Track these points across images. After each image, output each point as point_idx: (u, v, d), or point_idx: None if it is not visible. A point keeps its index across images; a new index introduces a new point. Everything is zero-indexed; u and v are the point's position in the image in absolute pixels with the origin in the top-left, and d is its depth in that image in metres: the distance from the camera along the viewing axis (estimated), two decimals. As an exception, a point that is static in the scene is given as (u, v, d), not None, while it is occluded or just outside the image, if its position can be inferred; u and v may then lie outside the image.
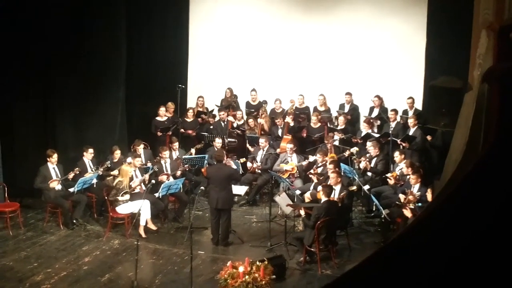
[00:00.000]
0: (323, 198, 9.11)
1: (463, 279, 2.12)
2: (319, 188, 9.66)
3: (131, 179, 10.38)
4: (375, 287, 2.25)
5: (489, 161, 2.25)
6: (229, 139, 13.00)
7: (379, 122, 12.96)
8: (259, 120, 13.32)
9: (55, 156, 10.68)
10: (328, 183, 10.02)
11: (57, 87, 12.12)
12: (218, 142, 12.20)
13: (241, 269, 7.59)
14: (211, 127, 13.55)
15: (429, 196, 9.25)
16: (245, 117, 14.20)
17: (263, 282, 7.56)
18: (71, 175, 10.71)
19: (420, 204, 9.15)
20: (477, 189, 2.19)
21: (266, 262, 7.93)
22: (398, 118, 12.60)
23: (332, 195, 9.69)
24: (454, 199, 2.23)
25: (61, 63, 11.96)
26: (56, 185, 10.56)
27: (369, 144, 11.47)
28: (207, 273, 8.66)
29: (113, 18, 12.94)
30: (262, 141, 12.33)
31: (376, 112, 13.34)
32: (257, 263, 7.86)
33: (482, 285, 2.10)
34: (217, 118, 13.93)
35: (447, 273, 2.14)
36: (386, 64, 13.78)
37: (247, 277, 7.51)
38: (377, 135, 12.22)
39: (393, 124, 12.31)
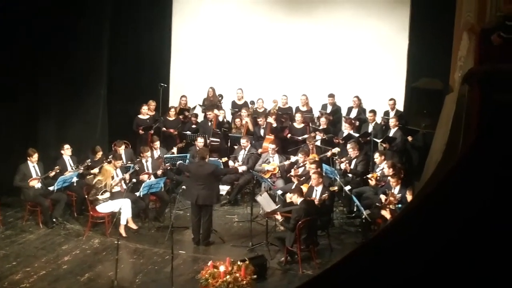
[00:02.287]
0: (299, 200, 9.13)
1: (439, 278, 2.13)
2: (289, 194, 9.67)
3: (112, 178, 10.30)
4: (353, 285, 2.26)
5: (468, 161, 2.27)
6: (211, 139, 12.97)
7: (357, 122, 13.02)
8: (245, 119, 13.27)
9: (36, 155, 10.58)
10: (310, 184, 10.05)
11: (39, 85, 12.01)
12: (200, 142, 12.15)
13: (222, 268, 7.57)
14: (194, 126, 13.50)
15: (409, 197, 9.30)
16: (229, 116, 14.19)
17: (244, 282, 7.55)
18: (51, 174, 10.61)
19: (400, 205, 9.20)
20: (456, 189, 2.21)
21: (247, 262, 7.92)
22: (378, 119, 12.67)
23: (313, 195, 9.72)
24: (432, 198, 2.25)
25: (44, 61, 11.84)
26: (36, 183, 10.46)
27: (348, 146, 11.51)
28: (188, 272, 8.63)
29: (97, 17, 12.84)
30: (243, 141, 12.31)
31: (354, 112, 13.41)
32: (238, 263, 7.84)
33: (459, 284, 2.12)
34: (200, 117, 13.89)
35: (424, 272, 2.15)
36: (369, 65, 13.86)
37: (228, 276, 7.50)
38: (357, 135, 12.27)
39: (372, 125, 12.37)
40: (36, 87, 11.95)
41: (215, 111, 13.42)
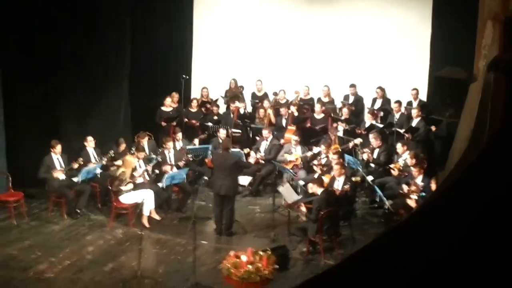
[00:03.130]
0: (319, 190, 9.10)
1: (464, 268, 2.11)
2: (310, 185, 9.66)
3: (135, 169, 10.37)
4: (375, 273, 2.24)
5: (494, 149, 2.23)
6: (233, 130, 12.98)
7: (382, 113, 12.92)
8: (268, 111, 13.26)
9: (59, 146, 10.68)
10: (332, 174, 10.01)
11: (61, 77, 12.08)
12: (222, 133, 12.18)
13: (244, 258, 7.58)
14: (215, 117, 13.52)
15: (433, 186, 9.22)
16: (250, 108, 14.19)
17: (266, 271, 7.54)
18: (75, 165, 10.71)
19: (424, 194, 9.13)
20: (482, 177, 2.18)
21: (269, 252, 7.92)
22: (403, 109, 12.56)
23: (335, 186, 9.69)
24: (458, 187, 2.22)
25: (66, 54, 11.91)
26: (60, 175, 10.57)
27: (370, 136, 11.45)
28: (210, 262, 8.66)
29: (118, 9, 12.89)
30: (265, 132, 12.31)
31: (379, 103, 13.31)
32: (260, 252, 7.85)
33: (482, 273, 2.09)
34: (222, 109, 13.91)
35: (448, 261, 2.13)
36: (391, 54, 13.74)
37: (250, 266, 7.50)
38: (381, 126, 12.18)
39: (397, 115, 12.27)
40: (58, 80, 12.03)
41: (237, 103, 13.41)
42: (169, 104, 13.36)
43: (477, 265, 2.11)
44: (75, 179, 10.61)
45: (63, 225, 10.22)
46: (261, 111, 13.39)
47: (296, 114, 13.12)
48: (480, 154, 2.33)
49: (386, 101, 13.26)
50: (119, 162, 10.84)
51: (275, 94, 13.91)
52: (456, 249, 2.15)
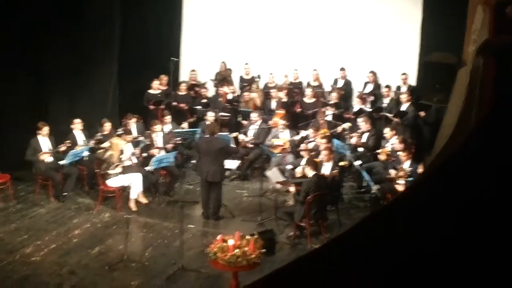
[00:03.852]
0: (311, 173, 9.10)
1: (447, 252, 2.10)
2: (299, 168, 9.66)
3: (122, 152, 10.30)
4: (359, 255, 2.23)
5: (483, 133, 2.22)
6: (221, 113, 12.91)
7: (372, 97, 12.91)
8: (251, 94, 13.21)
9: (46, 128, 10.58)
10: (319, 159, 10.00)
11: (49, 59, 11.97)
12: (210, 116, 12.11)
13: (231, 242, 7.57)
14: (204, 100, 13.44)
15: (420, 171, 9.23)
16: (238, 91, 14.13)
17: (253, 255, 7.53)
18: (62, 148, 10.63)
19: (411, 179, 9.14)
20: (468, 160, 2.16)
21: (256, 236, 7.92)
22: (392, 94, 12.56)
23: (322, 171, 9.69)
24: (444, 169, 2.20)
25: (53, 35, 11.78)
26: (46, 157, 10.49)
27: (360, 119, 11.45)
28: (197, 246, 8.65)
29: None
30: (254, 115, 12.26)
31: (370, 87, 13.29)
32: (247, 237, 7.84)
33: (470, 254, 2.09)
34: (211, 92, 13.84)
35: (435, 244, 2.12)
36: (381, 39, 13.70)
37: (237, 250, 7.48)
38: (369, 110, 12.17)
39: (386, 100, 12.27)
40: (44, 61, 11.91)
41: (225, 88, 13.33)
42: (157, 87, 13.25)
43: (463, 247, 2.11)
44: (62, 162, 10.52)
45: (50, 208, 10.16)
46: (245, 94, 13.32)
47: (284, 99, 13.05)
48: (468, 138, 2.32)
49: (377, 86, 13.26)
50: (106, 145, 10.77)
51: (259, 77, 13.85)
52: (441, 233, 2.14)
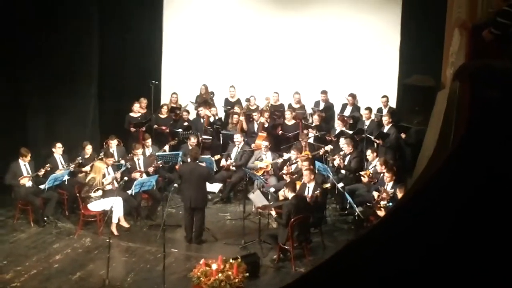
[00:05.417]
0: (290, 195, 9.13)
1: (429, 274, 2.12)
2: (281, 192, 9.71)
3: (104, 175, 10.25)
4: (345, 280, 2.24)
5: (458, 156, 2.25)
6: (203, 136, 12.91)
7: (351, 120, 13.00)
8: (240, 117, 13.24)
9: (29, 156, 10.54)
10: (302, 181, 10.03)
11: (28, 81, 11.93)
12: (192, 142, 12.07)
13: (214, 267, 7.55)
14: (186, 123, 13.44)
15: (399, 195, 9.26)
16: (222, 114, 14.15)
17: (237, 280, 7.53)
18: (42, 172, 10.55)
19: (391, 203, 9.19)
20: (446, 184, 2.19)
21: (239, 260, 7.90)
22: (373, 116, 12.66)
23: (306, 192, 9.71)
24: (423, 194, 2.23)
25: (32, 57, 11.77)
26: (26, 181, 10.40)
27: (342, 141, 11.51)
28: (180, 271, 8.59)
29: (86, 13, 12.76)
30: (237, 137, 12.25)
31: (349, 110, 13.39)
32: (231, 261, 7.82)
33: (449, 279, 2.10)
34: (192, 115, 13.84)
35: (415, 267, 2.13)
36: (362, 62, 13.83)
37: (220, 275, 7.47)
38: (351, 133, 12.25)
39: (367, 122, 12.36)
40: (23, 83, 11.86)
41: (206, 111, 13.35)
42: (137, 110, 13.23)
43: (444, 272, 2.12)
44: (42, 186, 10.43)
45: (30, 233, 10.05)
46: (235, 116, 13.35)
47: (266, 124, 13.07)
48: (447, 160, 2.36)
49: (356, 108, 13.36)
50: (87, 169, 10.71)
51: (248, 100, 13.90)
52: (426, 253, 2.16)
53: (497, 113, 2.37)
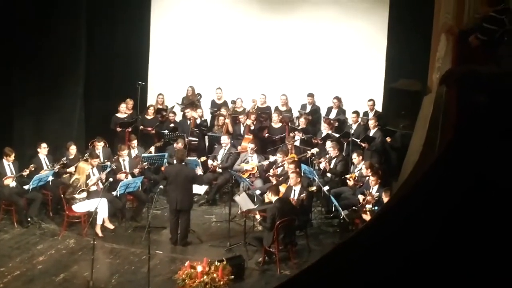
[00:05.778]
0: (274, 198, 9.13)
1: (415, 279, 2.12)
2: (267, 194, 9.72)
3: (88, 176, 10.18)
4: (331, 285, 2.24)
5: (444, 161, 2.26)
6: (190, 138, 12.88)
7: (337, 123, 13.03)
8: (226, 120, 13.21)
9: (13, 155, 10.45)
10: (288, 184, 10.04)
11: (14, 81, 11.83)
12: (179, 144, 12.02)
13: (199, 269, 7.53)
14: (172, 125, 13.40)
15: (385, 198, 9.31)
16: (209, 115, 14.13)
17: (221, 282, 7.52)
18: (26, 172, 10.47)
19: (377, 207, 9.22)
20: (432, 189, 2.20)
21: (224, 262, 7.89)
22: (360, 120, 12.70)
23: (292, 195, 9.72)
24: (409, 199, 2.23)
25: (19, 58, 11.69)
26: (10, 182, 10.31)
27: (328, 144, 11.54)
28: (165, 273, 8.56)
29: (73, 13, 12.68)
30: (225, 139, 12.23)
31: (334, 113, 13.43)
32: (216, 263, 7.81)
33: (435, 285, 2.11)
34: (178, 116, 13.81)
35: (399, 273, 2.13)
36: (348, 65, 13.89)
37: (205, 277, 7.46)
38: (337, 136, 12.28)
39: (354, 126, 12.39)
40: (9, 83, 11.76)
41: (193, 113, 13.31)
42: (124, 110, 13.18)
43: (433, 273, 2.13)
44: (26, 187, 10.35)
45: (13, 233, 9.97)
46: (221, 118, 13.33)
47: (252, 127, 13.07)
48: (434, 164, 2.36)
49: (341, 111, 13.40)
50: (71, 169, 10.64)
51: (233, 102, 13.89)
52: (412, 258, 2.17)
53: (484, 118, 2.38)
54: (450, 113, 2.62)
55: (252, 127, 13.06)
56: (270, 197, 9.29)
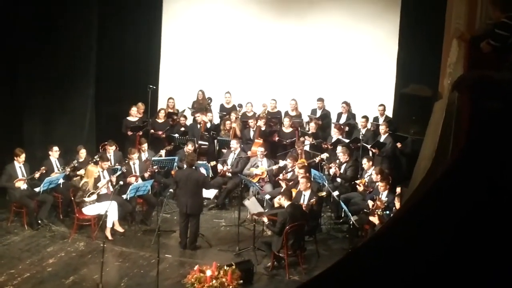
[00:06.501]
0: (286, 203, 9.11)
1: (427, 286, 2.11)
2: (277, 199, 9.70)
3: (98, 179, 10.21)
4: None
5: (458, 168, 2.24)
6: (200, 142, 12.90)
7: (347, 128, 13.01)
8: (232, 124, 13.23)
9: (23, 156, 10.50)
10: (298, 189, 10.02)
11: (25, 83, 11.90)
12: (189, 148, 12.03)
13: (208, 273, 7.53)
14: (182, 128, 13.43)
15: (397, 204, 9.29)
16: (218, 119, 14.15)
17: (230, 286, 7.52)
18: (37, 174, 10.52)
19: (387, 212, 9.19)
20: (445, 196, 2.18)
21: (233, 267, 7.88)
22: (369, 125, 12.67)
23: (301, 200, 9.70)
24: (421, 206, 2.22)
25: (30, 59, 11.75)
26: (21, 184, 10.36)
27: (339, 149, 11.51)
28: (174, 277, 8.56)
29: (85, 16, 12.76)
30: (234, 143, 12.23)
31: (344, 118, 13.40)
32: (225, 267, 7.80)
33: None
34: (189, 120, 13.83)
35: (411, 280, 2.12)
36: (359, 70, 13.86)
37: (214, 281, 7.46)
38: (347, 141, 12.25)
39: (363, 131, 12.35)
40: (20, 85, 11.83)
41: (203, 117, 13.33)
42: (135, 114, 13.22)
43: (445, 280, 2.11)
44: (36, 189, 10.39)
45: (24, 236, 10.01)
46: (227, 123, 13.34)
47: (263, 128, 13.10)
48: (447, 171, 2.35)
49: (351, 116, 13.36)
50: (81, 172, 10.67)
51: (240, 106, 13.90)
52: (424, 265, 2.15)
53: (498, 124, 2.36)
54: (462, 120, 2.60)
55: (263, 128, 13.06)
56: (282, 201, 9.27)
